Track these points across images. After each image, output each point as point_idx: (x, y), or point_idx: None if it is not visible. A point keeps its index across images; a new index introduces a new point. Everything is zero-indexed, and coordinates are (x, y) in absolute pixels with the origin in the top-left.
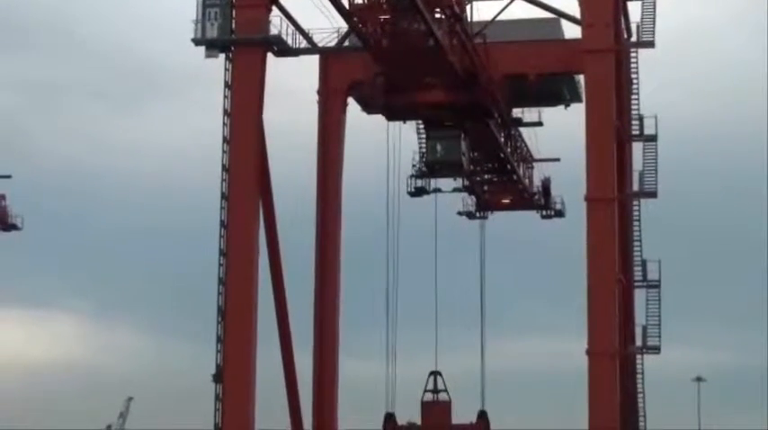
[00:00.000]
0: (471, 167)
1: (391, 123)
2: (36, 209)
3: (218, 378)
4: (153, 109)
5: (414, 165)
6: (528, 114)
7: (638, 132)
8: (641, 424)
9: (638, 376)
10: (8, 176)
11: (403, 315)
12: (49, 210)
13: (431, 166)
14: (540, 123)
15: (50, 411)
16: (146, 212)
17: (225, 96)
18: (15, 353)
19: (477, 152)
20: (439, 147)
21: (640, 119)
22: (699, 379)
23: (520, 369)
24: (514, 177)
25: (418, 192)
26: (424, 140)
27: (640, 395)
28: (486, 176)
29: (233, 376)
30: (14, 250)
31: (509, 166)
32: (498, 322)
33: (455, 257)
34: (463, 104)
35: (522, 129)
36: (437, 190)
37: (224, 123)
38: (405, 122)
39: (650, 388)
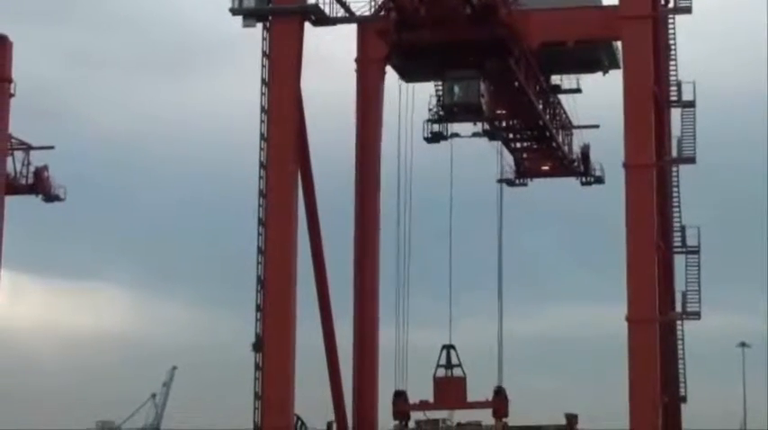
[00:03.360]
0: (492, 111)
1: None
2: (78, 180)
3: (257, 347)
4: (192, 79)
5: (430, 110)
6: (566, 81)
7: (676, 98)
8: (682, 390)
9: (679, 342)
10: (51, 147)
11: (434, 283)
12: (92, 181)
13: (448, 110)
14: (578, 90)
15: (96, 381)
16: (187, 183)
17: (263, 66)
18: (62, 324)
19: (497, 95)
20: (456, 89)
21: (678, 85)
22: (743, 344)
23: (560, 336)
24: (554, 144)
25: (435, 138)
26: (440, 86)
27: (681, 361)
28: (525, 143)
29: (273, 345)
30: (58, 221)
31: (548, 133)
32: (537, 289)
33: (494, 225)
34: (481, 40)
35: (561, 97)
36: (455, 134)
37: (262, 93)
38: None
39: (691, 354)
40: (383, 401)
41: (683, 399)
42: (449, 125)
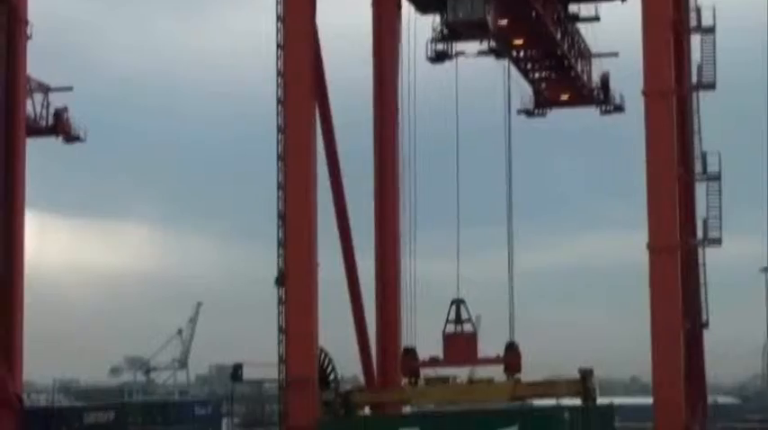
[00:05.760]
0: (499, 28)
1: None
2: (97, 120)
3: (280, 281)
4: (210, 15)
5: (434, 29)
6: (585, 9)
7: (695, 24)
8: (704, 317)
9: (700, 269)
10: (69, 88)
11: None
12: (111, 121)
13: (453, 28)
14: (596, 18)
15: (124, 318)
16: (206, 121)
17: (277, 2)
18: (89, 262)
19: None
20: (461, 6)
21: (698, 10)
22: (766, 269)
23: (581, 265)
24: (572, 73)
25: (439, 57)
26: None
27: (702, 288)
28: (543, 73)
29: (295, 279)
30: (80, 162)
31: (567, 62)
32: (559, 217)
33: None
34: None
35: (579, 25)
36: (460, 53)
37: (277, 29)
38: None
39: (712, 281)
40: (407, 336)
41: (705, 325)
42: (454, 45)
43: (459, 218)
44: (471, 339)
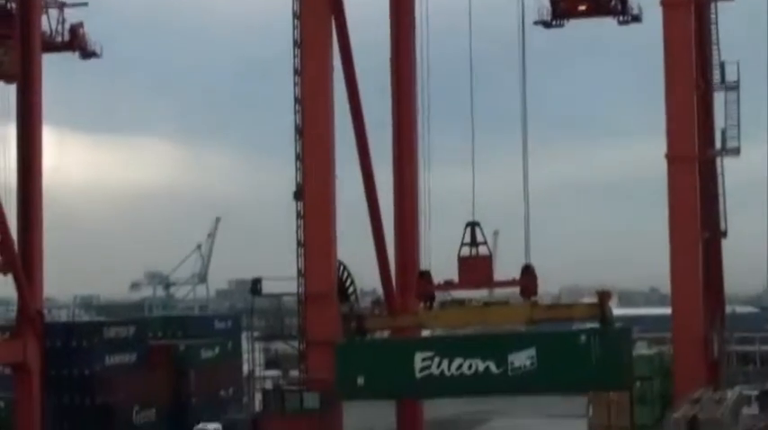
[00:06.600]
0: None
1: None
2: (112, 37)
3: (298, 195)
4: None
5: None
6: None
7: None
8: (722, 227)
9: (719, 178)
10: (84, 4)
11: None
12: (126, 37)
13: None
14: None
15: (144, 233)
16: (218, 40)
17: None
18: (109, 178)
19: None
20: None
21: None
22: None
23: (597, 176)
24: None
25: None
26: None
27: (721, 198)
28: None
29: (312, 192)
30: (97, 77)
31: None
32: (575, 128)
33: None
34: None
35: None
36: None
37: None
38: None
39: (731, 190)
40: (424, 253)
41: (724, 234)
42: None
43: (473, 132)
44: (487, 262)
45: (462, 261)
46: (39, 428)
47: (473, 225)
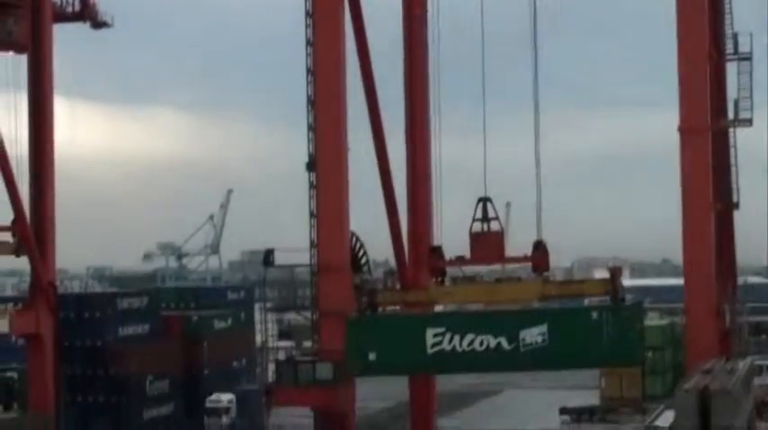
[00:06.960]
0: None
1: None
2: (121, 6)
3: (310, 166)
4: None
5: None
6: None
7: None
8: (735, 198)
9: (731, 149)
10: None
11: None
12: (135, 7)
13: None
14: None
15: (156, 204)
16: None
17: None
18: (121, 149)
19: None
20: None
21: None
22: None
23: (609, 148)
24: None
25: None
26: None
27: (733, 169)
28: None
29: (325, 163)
30: (108, 47)
31: None
32: (587, 99)
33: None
34: None
35: None
36: None
37: None
38: None
39: (743, 161)
40: (435, 218)
41: (736, 206)
42: None
43: (485, 107)
44: (498, 238)
45: (474, 237)
46: (52, 399)
47: (485, 200)
